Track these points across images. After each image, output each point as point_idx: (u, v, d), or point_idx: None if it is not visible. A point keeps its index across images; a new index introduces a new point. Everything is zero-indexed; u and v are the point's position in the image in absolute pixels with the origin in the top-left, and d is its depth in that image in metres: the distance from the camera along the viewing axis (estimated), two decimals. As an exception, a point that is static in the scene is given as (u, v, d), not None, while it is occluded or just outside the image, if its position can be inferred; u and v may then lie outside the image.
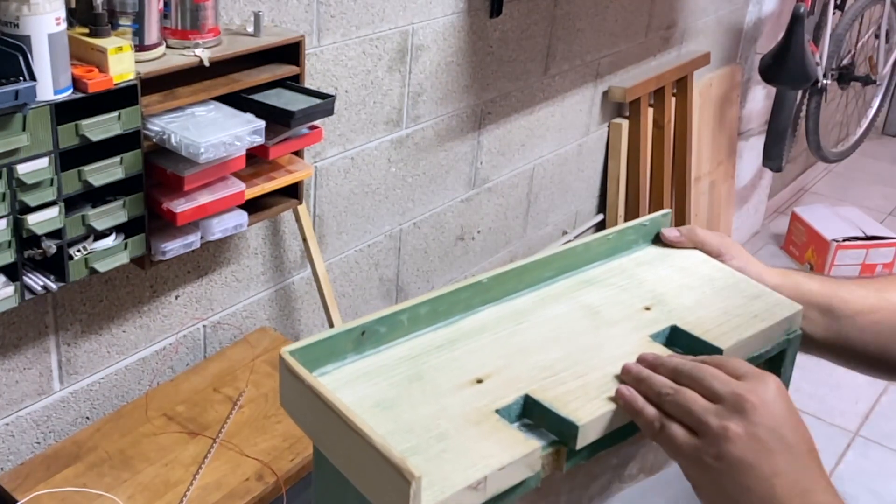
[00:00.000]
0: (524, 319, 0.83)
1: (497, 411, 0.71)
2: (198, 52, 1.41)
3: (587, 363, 0.77)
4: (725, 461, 0.68)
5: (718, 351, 0.79)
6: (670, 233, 0.96)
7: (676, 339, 0.82)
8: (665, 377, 0.72)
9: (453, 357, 0.77)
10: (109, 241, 1.38)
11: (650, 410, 0.71)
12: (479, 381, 0.74)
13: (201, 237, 1.52)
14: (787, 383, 0.92)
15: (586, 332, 0.82)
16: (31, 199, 1.25)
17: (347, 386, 0.72)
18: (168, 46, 1.42)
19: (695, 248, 0.96)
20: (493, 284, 0.84)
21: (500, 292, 0.85)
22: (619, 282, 0.90)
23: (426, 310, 0.80)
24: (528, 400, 0.72)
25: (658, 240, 0.98)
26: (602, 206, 3.05)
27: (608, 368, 0.76)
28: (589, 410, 0.71)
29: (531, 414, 0.72)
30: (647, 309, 0.86)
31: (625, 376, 0.74)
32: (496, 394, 0.73)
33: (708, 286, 0.90)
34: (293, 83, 1.58)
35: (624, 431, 0.74)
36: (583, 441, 0.70)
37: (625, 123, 2.92)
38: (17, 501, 1.40)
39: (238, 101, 1.49)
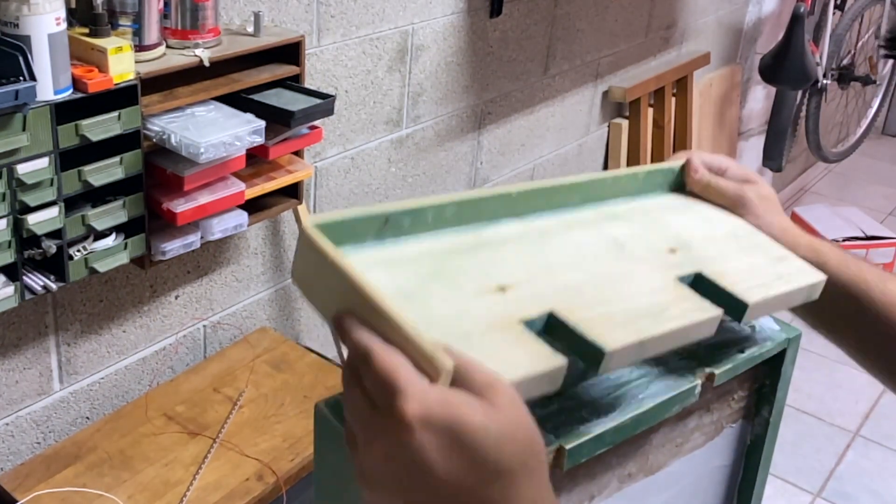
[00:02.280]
0: (550, 240, 0.80)
1: (523, 322, 0.68)
2: (198, 52, 1.41)
3: (613, 292, 0.75)
4: None
5: (744, 305, 0.78)
6: (696, 162, 0.92)
7: (701, 285, 0.80)
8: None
9: (477, 262, 0.73)
10: (109, 241, 1.38)
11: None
12: (503, 290, 0.71)
13: (201, 237, 1.52)
14: (787, 384, 0.92)
15: (612, 263, 0.79)
16: (31, 199, 1.25)
17: (366, 270, 0.65)
18: (168, 46, 1.42)
19: (713, 191, 0.93)
20: (521, 199, 0.81)
21: (526, 208, 0.82)
22: (645, 221, 0.87)
23: (452, 211, 0.76)
24: (552, 318, 0.70)
25: (683, 188, 0.95)
26: (602, 206, 3.05)
27: (634, 301, 0.74)
28: (615, 338, 0.68)
29: (555, 331, 0.70)
30: (672, 251, 0.84)
31: None
32: (520, 304, 0.70)
33: (733, 241, 0.88)
34: (293, 83, 1.58)
35: (624, 429, 0.75)
36: (606, 368, 0.68)
37: (625, 123, 2.92)
38: (17, 501, 1.40)
39: (238, 101, 1.49)
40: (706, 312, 0.75)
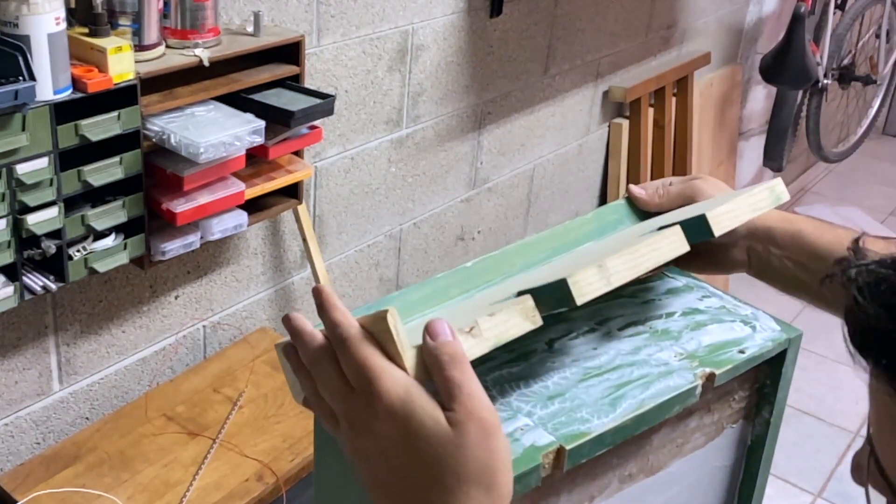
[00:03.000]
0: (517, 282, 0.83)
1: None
2: (197, 51, 1.41)
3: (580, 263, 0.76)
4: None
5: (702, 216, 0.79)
6: (636, 190, 0.95)
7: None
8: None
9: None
10: (109, 241, 1.38)
11: None
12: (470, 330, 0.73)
13: (201, 237, 1.52)
14: (787, 384, 0.92)
15: (583, 257, 0.82)
16: (30, 199, 1.25)
17: None
18: (168, 46, 1.42)
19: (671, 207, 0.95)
20: (480, 270, 0.85)
21: (493, 276, 0.85)
22: (609, 240, 0.90)
23: (417, 296, 0.80)
24: (519, 292, 0.71)
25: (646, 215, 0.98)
26: (602, 207, 3.05)
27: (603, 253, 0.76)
28: (579, 275, 0.70)
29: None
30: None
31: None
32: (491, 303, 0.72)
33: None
34: (293, 83, 1.58)
35: (625, 430, 0.74)
36: (579, 295, 0.68)
37: (625, 123, 2.92)
38: (16, 502, 1.39)
39: (238, 101, 1.49)
40: (671, 234, 0.77)
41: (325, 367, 0.63)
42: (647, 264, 0.75)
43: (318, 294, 0.64)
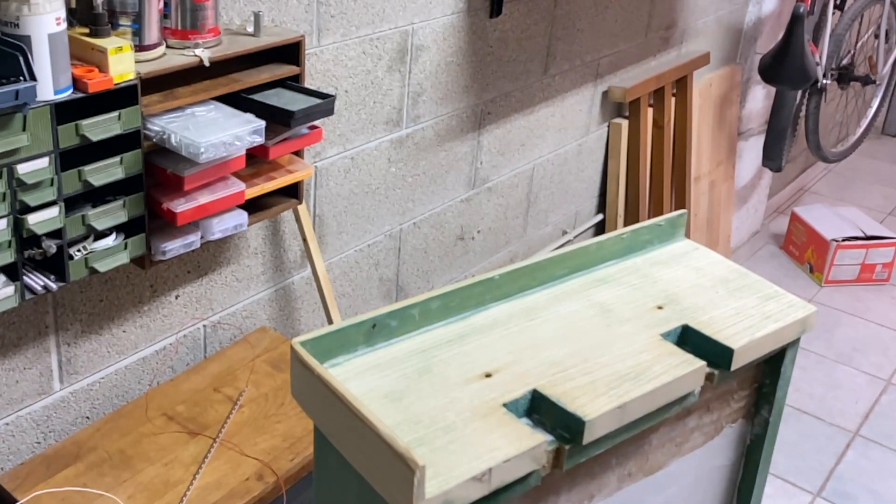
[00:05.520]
0: (536, 316, 0.84)
1: (504, 405, 0.71)
2: (198, 52, 1.41)
3: (596, 360, 0.78)
4: None
5: (729, 351, 0.80)
6: None
7: (688, 338, 0.83)
8: None
9: (463, 351, 0.78)
10: (109, 240, 1.39)
11: None
12: (488, 376, 0.75)
13: (201, 237, 1.52)
14: (787, 383, 0.92)
15: (597, 330, 0.82)
16: (31, 199, 1.25)
17: (357, 377, 0.73)
18: (168, 46, 1.42)
19: None
20: (505, 281, 0.85)
21: (512, 289, 0.86)
22: (633, 280, 0.91)
23: (437, 305, 0.81)
24: (535, 395, 0.73)
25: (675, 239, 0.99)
26: (602, 206, 3.05)
27: (617, 366, 0.77)
28: (596, 406, 0.71)
29: (539, 409, 0.73)
30: (660, 308, 0.86)
31: None
32: (504, 388, 0.73)
33: (722, 286, 0.90)
34: (293, 83, 1.58)
35: (625, 430, 0.75)
36: (589, 436, 0.70)
37: (625, 123, 2.92)
38: (17, 501, 1.40)
39: (238, 101, 1.49)
40: (689, 366, 0.77)
41: None
42: (667, 397, 0.76)
43: None
